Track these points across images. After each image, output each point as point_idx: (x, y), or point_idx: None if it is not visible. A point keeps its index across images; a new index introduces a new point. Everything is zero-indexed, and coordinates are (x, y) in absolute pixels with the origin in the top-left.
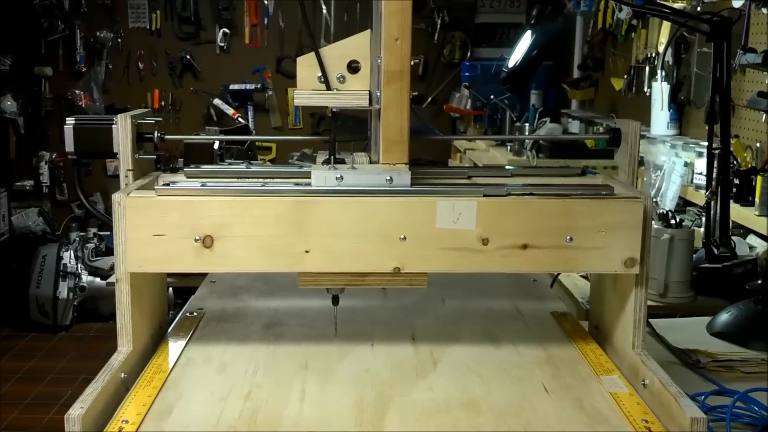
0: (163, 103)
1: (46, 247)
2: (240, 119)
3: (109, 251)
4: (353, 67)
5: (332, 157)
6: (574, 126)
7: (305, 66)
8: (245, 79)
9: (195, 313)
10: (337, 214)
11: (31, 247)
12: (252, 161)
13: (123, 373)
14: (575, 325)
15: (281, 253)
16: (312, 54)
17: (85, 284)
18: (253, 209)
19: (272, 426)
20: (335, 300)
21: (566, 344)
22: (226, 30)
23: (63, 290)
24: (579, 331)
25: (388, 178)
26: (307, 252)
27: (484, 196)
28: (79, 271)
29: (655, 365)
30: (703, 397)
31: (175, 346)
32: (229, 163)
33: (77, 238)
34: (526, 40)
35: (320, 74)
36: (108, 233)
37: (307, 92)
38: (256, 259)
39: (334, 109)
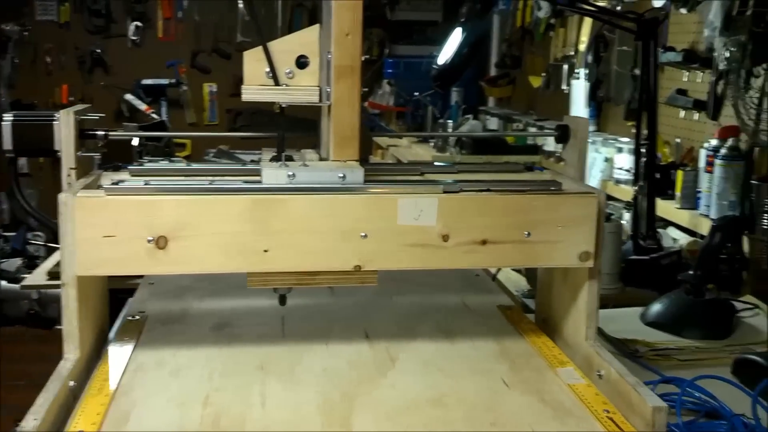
0: (72, 99)
1: None
2: (154, 115)
3: (16, 252)
4: (302, 62)
5: (282, 154)
6: (493, 123)
7: (252, 60)
8: (159, 73)
9: (137, 317)
10: (298, 212)
11: None
12: (171, 158)
13: (71, 382)
14: (522, 318)
15: (239, 252)
16: (259, 48)
17: None
18: (209, 208)
19: (237, 429)
20: (282, 300)
21: (518, 337)
22: (139, 23)
23: None
24: (528, 324)
25: (341, 175)
26: (266, 251)
27: (444, 192)
28: None
29: (609, 356)
30: (652, 386)
31: (121, 352)
32: (149, 161)
33: None
34: (456, 37)
35: (268, 69)
36: (14, 234)
37: (254, 88)
38: (214, 260)
39: (283, 105)
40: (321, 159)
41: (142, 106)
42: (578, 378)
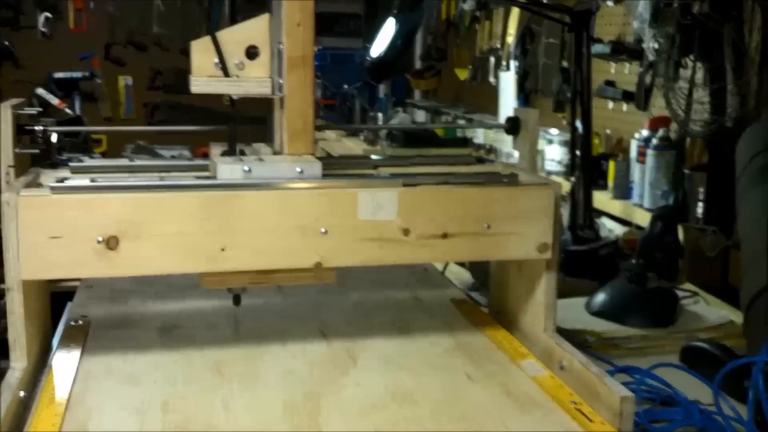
0: None
1: None
2: (67, 110)
3: None
4: (252, 53)
5: (235, 148)
6: (420, 115)
7: (200, 51)
8: (71, 66)
9: (80, 322)
10: (256, 209)
11: None
12: (91, 155)
13: (22, 392)
14: (477, 311)
15: (196, 252)
16: (207, 38)
17: None
18: (163, 206)
19: None
20: (237, 300)
21: (474, 331)
22: (48, 14)
23: None
24: (482, 317)
25: (298, 169)
26: (223, 250)
27: (404, 185)
28: None
29: (570, 347)
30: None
31: (68, 359)
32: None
33: None
34: (389, 29)
35: (217, 60)
36: None
37: (204, 79)
38: (169, 260)
39: (234, 98)
40: (274, 153)
41: (55, 101)
42: (541, 370)
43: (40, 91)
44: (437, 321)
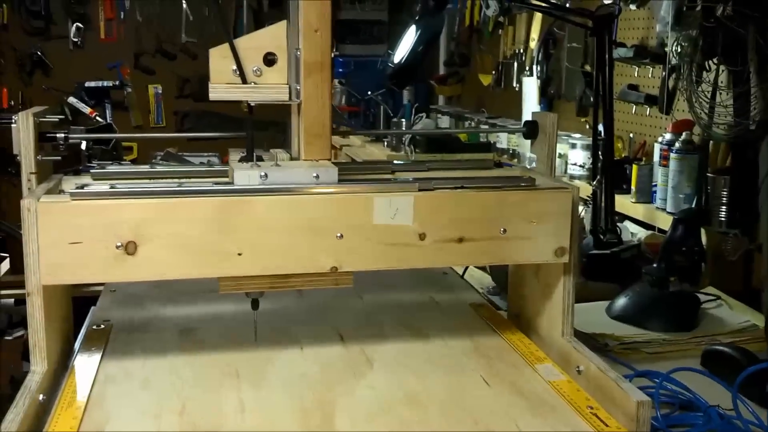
0: (12, 103)
1: None
2: (98, 118)
3: None
4: (269, 60)
5: (252, 154)
6: (444, 121)
7: (218, 58)
8: (101, 75)
9: (102, 326)
10: (271, 214)
11: None
12: (121, 162)
13: (41, 395)
14: (495, 314)
15: (212, 256)
16: (226, 45)
17: None
18: (180, 211)
19: None
20: (255, 304)
21: (492, 334)
22: (80, 24)
23: None
24: (501, 321)
25: (315, 174)
26: (239, 255)
27: (420, 190)
28: None
29: (588, 351)
30: (628, 380)
31: (88, 363)
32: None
33: None
34: (410, 35)
35: (235, 67)
36: None
37: (222, 86)
38: (185, 265)
39: (251, 104)
40: (291, 158)
41: (86, 109)
42: (558, 374)
43: (72, 99)
44: (455, 325)
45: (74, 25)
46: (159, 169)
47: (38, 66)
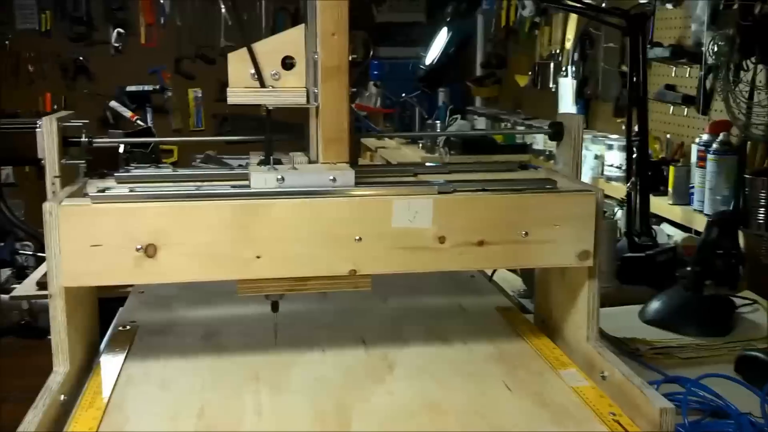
0: (55, 107)
1: None
2: (139, 122)
3: (4, 263)
4: (288, 63)
5: (270, 157)
6: (481, 122)
7: (237, 62)
8: (142, 80)
9: (128, 327)
10: (289, 217)
11: None
12: (159, 165)
13: (62, 396)
14: (521, 319)
15: (230, 260)
16: (244, 50)
17: None
18: (197, 214)
19: None
20: (275, 306)
21: (516, 339)
22: (121, 30)
23: None
24: (527, 325)
25: (331, 177)
26: (258, 258)
27: (440, 193)
28: None
29: (612, 357)
30: (656, 385)
31: (112, 364)
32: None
33: None
34: (442, 37)
35: (253, 71)
36: (2, 244)
37: (240, 90)
38: (204, 268)
39: (269, 108)
40: (310, 162)
41: (127, 113)
42: (582, 380)
43: (113, 104)
44: (479, 329)
45: (115, 30)
46: (180, 172)
47: (81, 71)
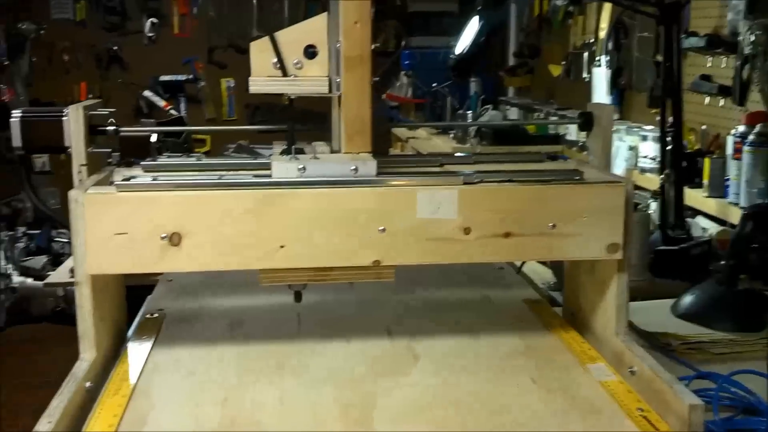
0: (90, 96)
1: None
2: (172, 111)
3: (41, 250)
4: (310, 52)
5: (292, 147)
6: (513, 113)
7: (259, 51)
8: (175, 70)
9: (156, 315)
10: (312, 207)
11: None
12: (191, 154)
13: (88, 383)
14: (550, 312)
15: (253, 249)
16: (266, 38)
17: (16, 285)
18: (218, 204)
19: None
20: (298, 297)
21: (544, 332)
22: (154, 20)
23: None
24: (555, 319)
25: (353, 167)
26: (282, 247)
27: (465, 183)
28: (10, 271)
29: (641, 352)
30: (687, 381)
31: (138, 351)
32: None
33: (5, 238)
34: (473, 26)
35: (275, 60)
36: (38, 232)
37: (262, 79)
38: (228, 257)
39: (291, 97)
40: (332, 151)
41: (161, 103)
42: (610, 374)
43: (147, 93)
44: (506, 321)
45: (149, 20)
46: (205, 161)
47: (115, 61)
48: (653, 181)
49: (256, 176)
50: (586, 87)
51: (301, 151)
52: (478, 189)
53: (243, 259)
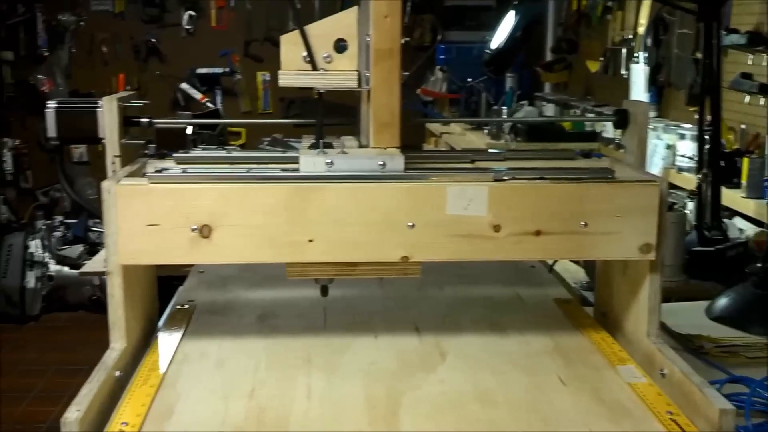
0: (128, 88)
1: (12, 236)
2: (209, 104)
3: (77, 239)
4: (340, 46)
5: (320, 141)
6: (549, 109)
7: (290, 44)
8: (212, 62)
9: (186, 306)
10: (341, 201)
11: None
12: (225, 146)
13: (117, 371)
14: (580, 312)
15: (282, 242)
16: (296, 32)
17: (53, 273)
18: (246, 197)
19: (281, 426)
20: (324, 291)
21: (574, 332)
22: (192, 12)
23: (30, 280)
24: (585, 319)
25: (380, 162)
26: (311, 241)
27: (495, 180)
28: (47, 260)
29: (672, 354)
30: (718, 385)
31: (168, 341)
32: (203, 149)
33: (43, 227)
34: (509, 21)
35: (305, 54)
36: (75, 221)
37: (292, 73)
38: (257, 249)
39: (320, 91)
40: (361, 146)
41: (198, 95)
42: (640, 377)
43: (184, 85)
44: (536, 321)
45: (187, 13)
46: (235, 154)
47: (153, 53)
48: (690, 181)
49: (284, 170)
50: (625, 84)
51: (329, 146)
52: (509, 186)
53: (272, 253)
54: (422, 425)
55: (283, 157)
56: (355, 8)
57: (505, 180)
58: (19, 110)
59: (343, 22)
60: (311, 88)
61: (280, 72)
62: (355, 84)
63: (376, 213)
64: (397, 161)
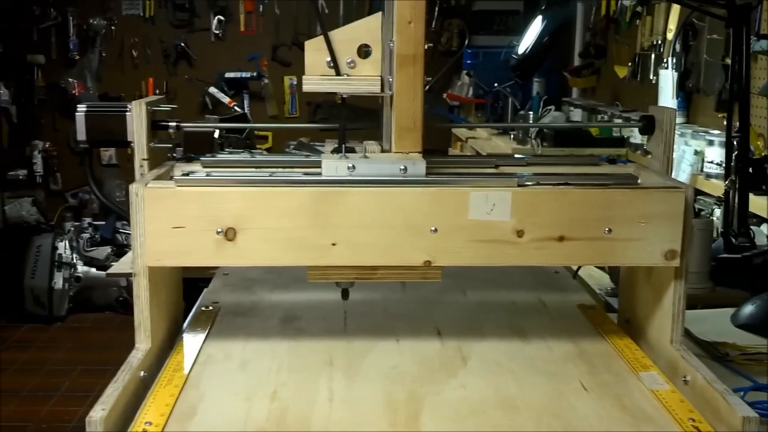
0: (157, 92)
1: (41, 237)
2: (236, 108)
3: (105, 241)
4: (364, 51)
5: (342, 145)
6: (576, 114)
7: (314, 50)
8: (241, 67)
9: (211, 307)
10: (364, 206)
11: (24, 237)
12: (252, 150)
13: (142, 372)
14: (604, 318)
15: (306, 246)
16: (320, 38)
17: (80, 274)
18: (269, 200)
19: (303, 427)
20: (345, 294)
21: (598, 338)
22: (221, 17)
23: (58, 281)
24: (609, 325)
25: (402, 167)
26: (334, 245)
27: (519, 186)
28: (75, 261)
29: (696, 361)
30: (742, 393)
31: (193, 342)
32: (230, 152)
33: (72, 228)
34: (536, 26)
35: (329, 59)
36: (103, 223)
37: (315, 78)
38: (281, 253)
39: (343, 96)
40: (383, 151)
41: (225, 99)
42: (662, 383)
43: (213, 89)
44: (559, 326)
45: (216, 17)
46: (260, 158)
47: (182, 57)
48: (719, 187)
49: (306, 174)
50: (653, 89)
51: (351, 150)
52: (532, 191)
53: (298, 256)
54: (443, 430)
55: (306, 161)
56: (379, 14)
57: (528, 185)
58: (49, 113)
59: (367, 28)
60: (336, 93)
61: (303, 77)
62: (378, 89)
63: (398, 217)
64: (418, 166)
